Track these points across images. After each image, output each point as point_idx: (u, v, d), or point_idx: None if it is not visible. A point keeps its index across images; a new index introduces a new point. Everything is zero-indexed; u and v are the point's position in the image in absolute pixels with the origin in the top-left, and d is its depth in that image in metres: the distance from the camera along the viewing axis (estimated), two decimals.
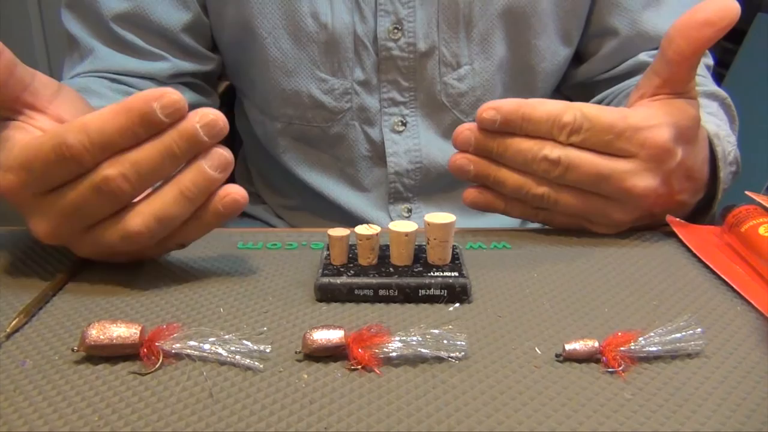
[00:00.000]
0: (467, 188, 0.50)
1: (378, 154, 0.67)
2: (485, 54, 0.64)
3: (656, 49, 0.51)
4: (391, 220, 0.69)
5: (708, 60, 0.70)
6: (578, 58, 0.71)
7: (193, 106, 0.36)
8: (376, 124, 0.66)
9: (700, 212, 0.54)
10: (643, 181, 0.46)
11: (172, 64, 0.65)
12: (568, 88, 0.72)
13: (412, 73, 0.64)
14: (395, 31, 0.62)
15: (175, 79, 0.66)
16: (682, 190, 0.49)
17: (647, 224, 0.51)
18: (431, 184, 0.68)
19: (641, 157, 0.46)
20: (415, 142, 0.66)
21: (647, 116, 0.46)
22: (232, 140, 1.02)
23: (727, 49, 1.62)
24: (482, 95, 0.66)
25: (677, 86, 0.47)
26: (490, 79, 0.65)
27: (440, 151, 0.67)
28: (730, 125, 0.60)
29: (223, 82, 1.01)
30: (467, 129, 0.47)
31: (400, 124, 0.66)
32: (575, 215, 0.49)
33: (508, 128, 0.46)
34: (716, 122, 0.56)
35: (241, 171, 0.84)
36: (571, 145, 0.46)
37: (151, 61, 0.64)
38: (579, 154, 0.45)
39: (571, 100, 0.46)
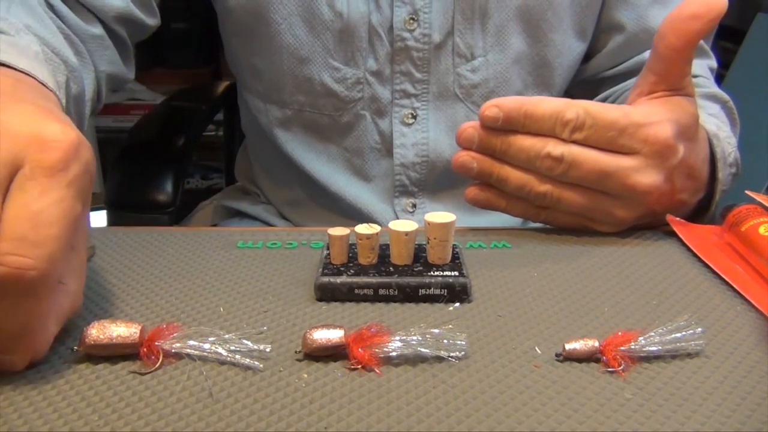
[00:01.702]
0: (469, 185, 0.50)
1: (386, 145, 0.67)
2: (500, 46, 0.64)
3: None
4: (395, 214, 0.69)
5: (711, 62, 0.70)
6: (584, 54, 0.71)
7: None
8: (386, 116, 0.66)
9: (699, 212, 0.54)
10: (646, 177, 0.46)
11: (125, 3, 0.60)
12: (573, 85, 0.72)
13: (425, 65, 0.64)
14: (411, 21, 0.62)
15: (117, 25, 0.61)
16: (683, 188, 0.49)
17: (648, 223, 0.51)
18: (437, 179, 0.68)
19: (644, 154, 0.46)
20: (423, 135, 0.66)
21: (649, 113, 0.46)
22: (232, 138, 1.02)
23: (727, 49, 1.62)
24: (495, 87, 0.66)
25: (673, 82, 0.48)
26: (505, 72, 0.65)
27: (448, 146, 0.67)
28: (731, 128, 0.60)
29: (223, 82, 1.01)
30: (470, 127, 0.47)
31: (410, 116, 0.66)
32: (578, 214, 0.49)
33: (510, 126, 0.46)
34: (717, 123, 0.56)
35: (242, 168, 0.83)
36: (574, 142, 0.46)
37: None
38: (582, 151, 0.46)
39: (574, 98, 0.47)
